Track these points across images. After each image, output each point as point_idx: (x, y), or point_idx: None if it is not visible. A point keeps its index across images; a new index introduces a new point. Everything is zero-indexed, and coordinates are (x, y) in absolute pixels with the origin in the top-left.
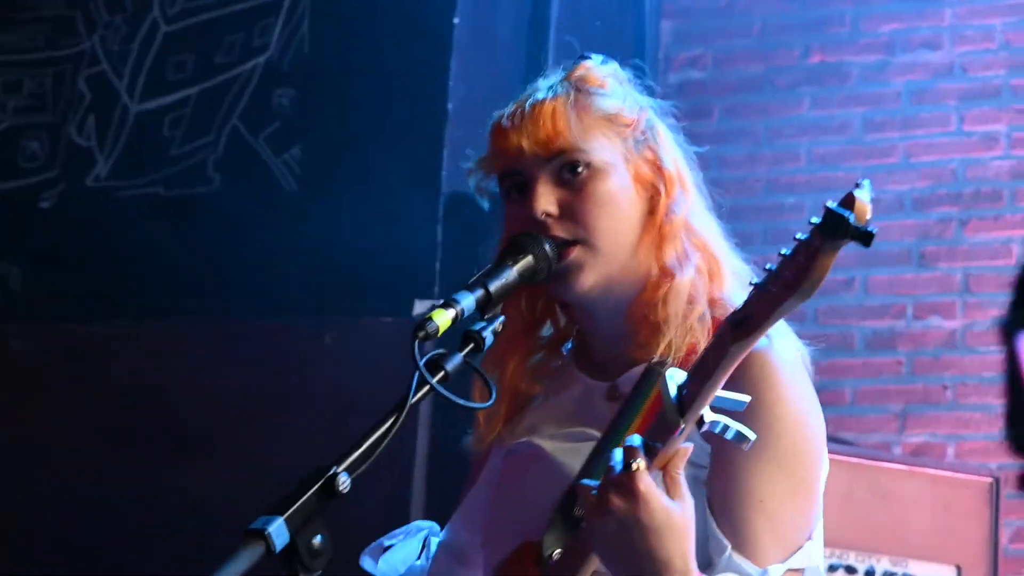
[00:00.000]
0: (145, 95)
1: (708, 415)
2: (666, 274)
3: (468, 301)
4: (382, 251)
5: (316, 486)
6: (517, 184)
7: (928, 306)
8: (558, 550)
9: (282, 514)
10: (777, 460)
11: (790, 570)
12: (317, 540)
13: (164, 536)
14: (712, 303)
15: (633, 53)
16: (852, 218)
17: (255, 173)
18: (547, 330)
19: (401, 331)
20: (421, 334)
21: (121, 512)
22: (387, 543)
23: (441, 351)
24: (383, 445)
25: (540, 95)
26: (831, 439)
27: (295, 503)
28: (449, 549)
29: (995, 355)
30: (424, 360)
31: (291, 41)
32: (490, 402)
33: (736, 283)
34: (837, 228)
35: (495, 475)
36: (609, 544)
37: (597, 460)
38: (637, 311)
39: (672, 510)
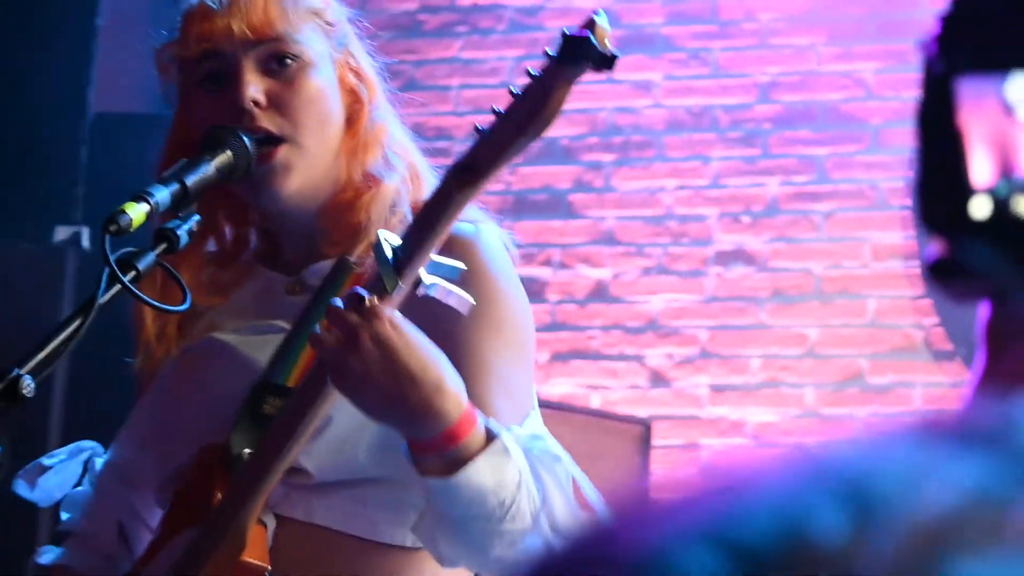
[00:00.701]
0: None
1: (426, 278)
2: (370, 180)
3: (163, 195)
4: (20, 173)
5: None
6: (213, 73)
7: (576, 254)
8: (248, 449)
9: None
10: (498, 327)
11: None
12: None
13: None
14: (414, 208)
15: None
16: (594, 39)
17: None
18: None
19: (40, 257)
20: (113, 228)
21: None
22: (46, 463)
23: (131, 249)
24: (69, 348)
25: None
26: None
27: None
28: (115, 469)
29: (643, 305)
30: (114, 258)
31: None
32: (185, 305)
33: (428, 187)
34: (577, 51)
35: (167, 381)
36: (364, 379)
37: (287, 352)
38: (332, 213)
39: (420, 333)
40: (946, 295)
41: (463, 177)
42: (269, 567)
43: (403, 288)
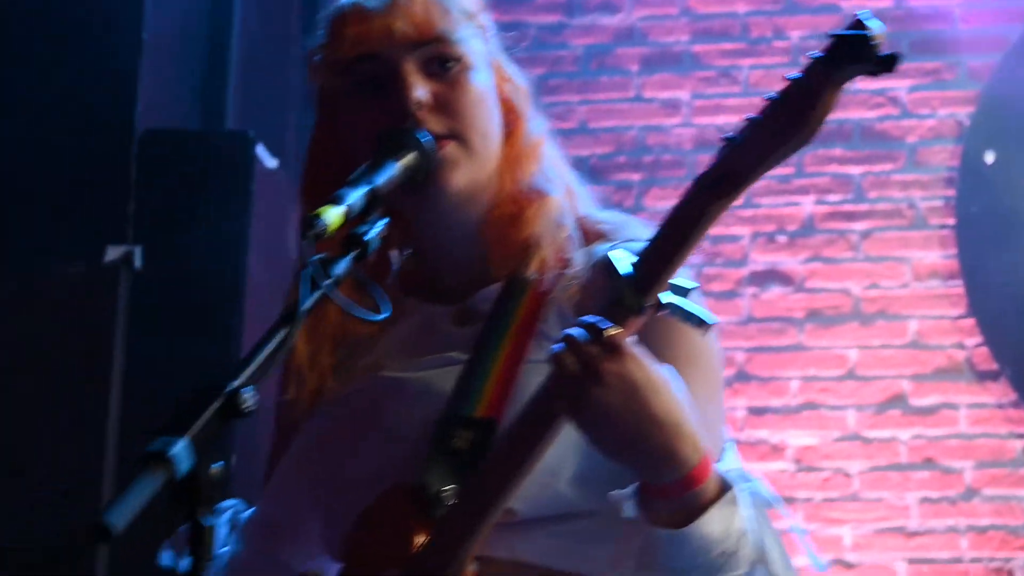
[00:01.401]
0: None
1: (666, 297)
2: (532, 193)
3: (356, 198)
4: (69, 193)
5: (217, 403)
6: (370, 76)
7: None
8: (450, 486)
9: (183, 434)
10: (695, 358)
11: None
12: (216, 467)
13: None
14: (578, 221)
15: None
16: (874, 38)
17: None
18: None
19: (92, 278)
20: (311, 233)
21: None
22: None
23: (323, 256)
24: (278, 359)
25: None
26: None
27: (196, 422)
28: (265, 526)
29: None
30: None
31: None
32: (387, 313)
33: (587, 202)
34: (851, 53)
35: (329, 426)
36: (606, 416)
37: (470, 382)
38: (495, 228)
39: (665, 373)
40: None
41: (717, 189)
42: None
43: (649, 307)
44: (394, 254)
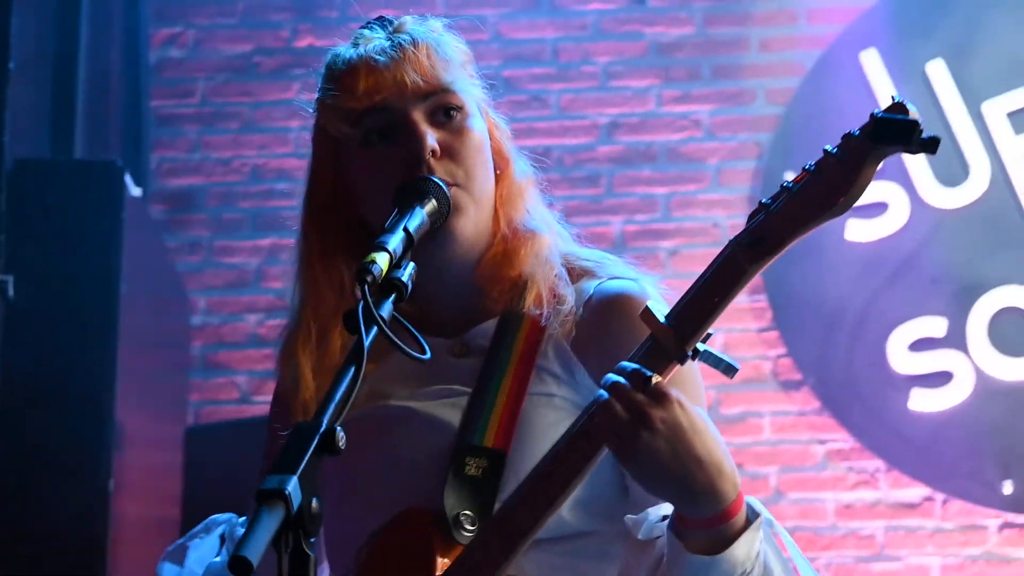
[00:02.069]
0: None
1: (700, 345)
2: (524, 232)
3: (395, 244)
4: None
5: (315, 443)
6: (379, 126)
7: None
8: (466, 510)
9: (293, 472)
10: (690, 385)
11: None
12: (315, 502)
13: None
14: (564, 257)
15: (125, 30)
16: (920, 125)
17: None
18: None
19: None
20: (369, 279)
21: None
22: (188, 543)
23: (369, 299)
24: (353, 396)
25: (404, 36)
26: None
27: (301, 461)
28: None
29: None
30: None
31: None
32: (427, 355)
33: (567, 240)
34: (898, 135)
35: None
36: (655, 458)
37: (477, 413)
38: (489, 266)
39: (701, 413)
40: None
41: (753, 251)
42: None
43: (689, 356)
44: None
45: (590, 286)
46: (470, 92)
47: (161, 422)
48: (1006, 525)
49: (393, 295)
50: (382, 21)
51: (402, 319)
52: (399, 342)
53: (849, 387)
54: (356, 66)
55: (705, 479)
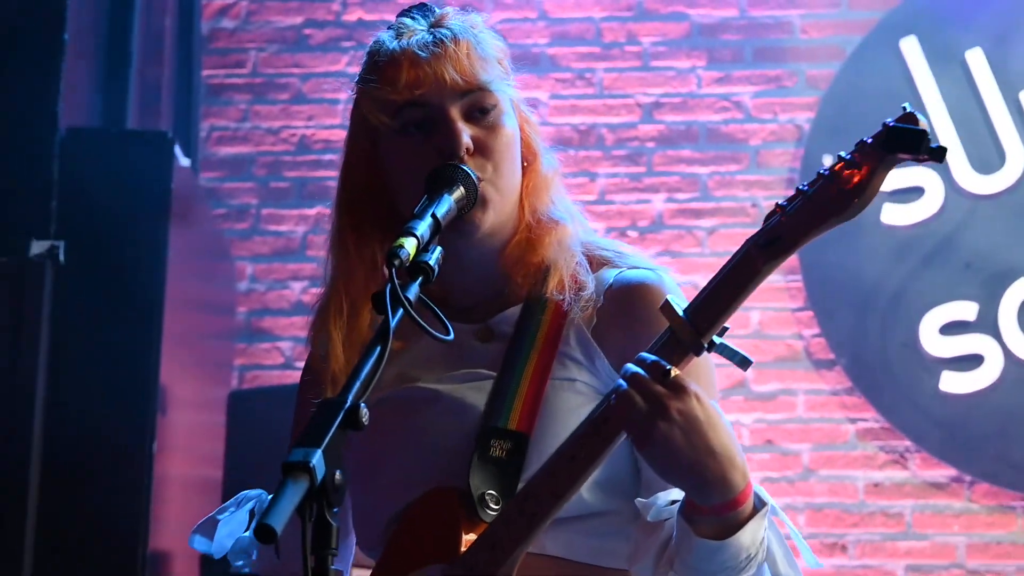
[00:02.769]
0: None
1: (715, 338)
2: (548, 222)
3: (423, 229)
4: None
5: (340, 418)
6: (417, 119)
7: None
8: (491, 490)
9: (318, 446)
10: (703, 372)
11: None
12: (339, 474)
13: None
14: (584, 246)
15: (178, 1)
16: (929, 134)
17: None
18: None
19: (17, 271)
20: (397, 262)
21: None
22: (219, 517)
23: (396, 282)
24: (378, 374)
25: (445, 31)
26: None
27: (325, 436)
28: None
29: None
30: (390, 290)
31: None
32: (450, 336)
33: (587, 229)
34: (909, 143)
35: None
36: (671, 448)
37: (502, 397)
38: (514, 254)
39: (715, 406)
40: None
41: (769, 250)
42: None
43: (705, 349)
44: None
45: (609, 275)
46: (504, 90)
47: (206, 385)
48: None
49: (420, 278)
50: (424, 10)
51: (428, 301)
52: (424, 323)
53: (881, 368)
54: (399, 59)
55: (717, 469)
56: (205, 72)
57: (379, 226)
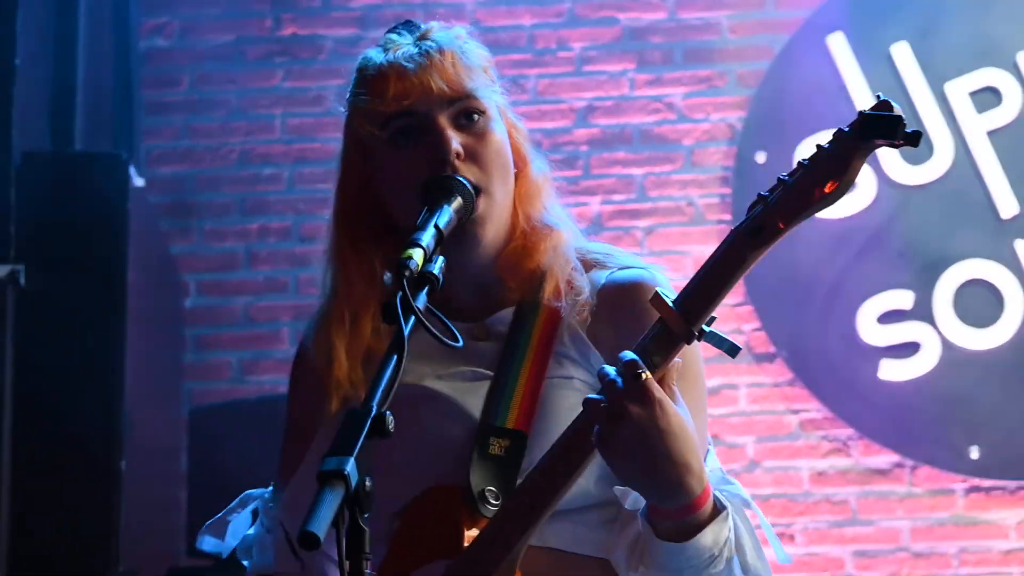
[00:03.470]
0: None
1: (705, 326)
2: (543, 228)
3: (428, 240)
4: None
5: (368, 427)
6: (405, 129)
7: None
8: (490, 487)
9: (350, 454)
10: (687, 370)
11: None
12: (368, 481)
13: None
14: (576, 250)
15: (116, 21)
16: (903, 120)
17: None
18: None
19: None
20: (407, 272)
21: None
22: (228, 517)
23: (403, 292)
24: (397, 382)
25: (431, 43)
26: None
27: (356, 444)
28: (294, 511)
29: None
30: (399, 300)
31: None
32: (460, 343)
33: (577, 233)
34: (883, 130)
35: None
36: (627, 452)
37: (499, 396)
38: (509, 260)
39: (681, 415)
40: None
41: (754, 239)
42: None
43: (696, 339)
44: None
45: (601, 276)
46: (491, 97)
47: (164, 405)
48: (973, 489)
49: (427, 287)
50: (409, 26)
51: (435, 310)
52: (435, 331)
53: (821, 359)
54: (386, 72)
55: (673, 474)
56: (143, 91)
57: (375, 238)
